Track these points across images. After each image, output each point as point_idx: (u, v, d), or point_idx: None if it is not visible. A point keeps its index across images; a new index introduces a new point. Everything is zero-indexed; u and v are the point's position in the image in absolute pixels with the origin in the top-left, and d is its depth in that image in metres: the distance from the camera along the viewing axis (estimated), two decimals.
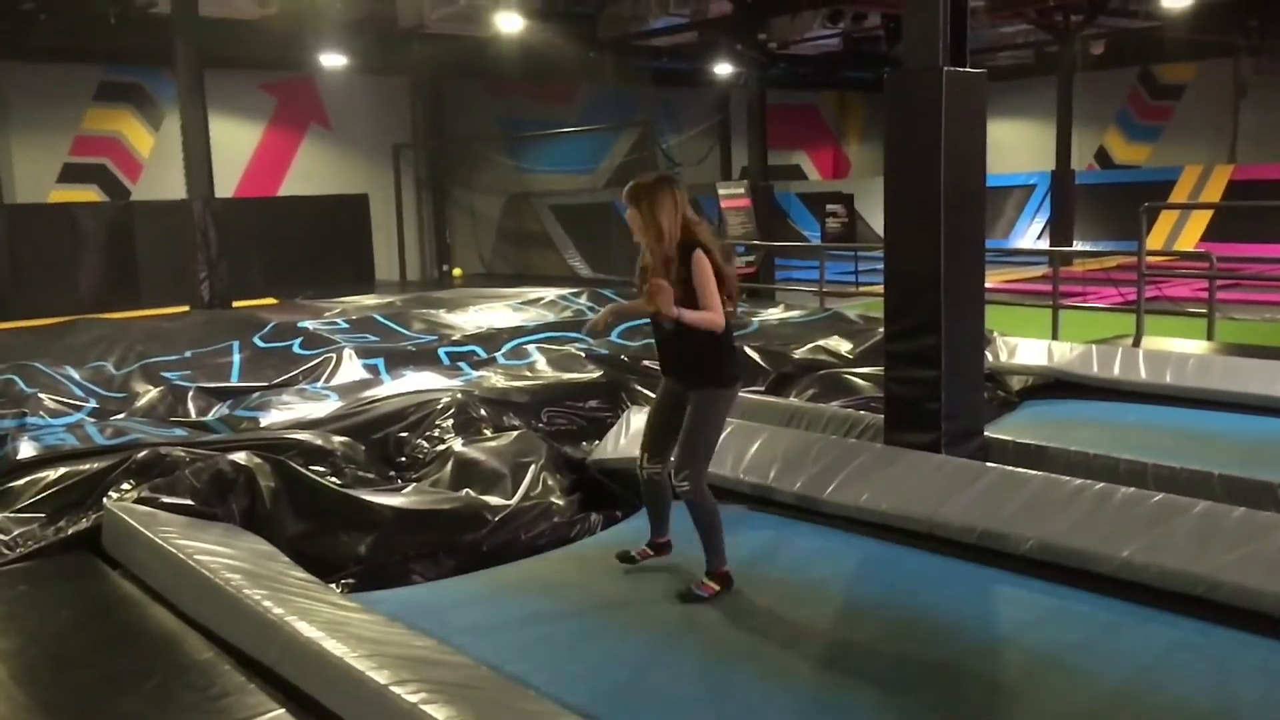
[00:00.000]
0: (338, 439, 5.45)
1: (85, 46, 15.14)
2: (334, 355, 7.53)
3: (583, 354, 7.20)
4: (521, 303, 9.94)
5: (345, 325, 8.68)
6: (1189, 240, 18.95)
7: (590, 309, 9.63)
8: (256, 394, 6.75)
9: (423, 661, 3.11)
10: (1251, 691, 3.29)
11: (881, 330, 5.72)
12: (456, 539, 4.76)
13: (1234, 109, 21.23)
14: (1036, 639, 3.69)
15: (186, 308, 11.98)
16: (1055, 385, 7.23)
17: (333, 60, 16.93)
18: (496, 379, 6.64)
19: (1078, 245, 18.84)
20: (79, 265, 15.42)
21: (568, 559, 4.75)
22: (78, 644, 3.62)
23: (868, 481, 4.76)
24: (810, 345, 7.67)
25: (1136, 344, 7.95)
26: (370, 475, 5.29)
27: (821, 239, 18.65)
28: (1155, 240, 18.29)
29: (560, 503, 5.08)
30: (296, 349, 7.86)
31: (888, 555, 4.47)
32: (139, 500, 4.52)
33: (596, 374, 6.66)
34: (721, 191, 16.49)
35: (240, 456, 4.79)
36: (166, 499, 4.52)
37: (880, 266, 5.52)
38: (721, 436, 4.26)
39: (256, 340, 8.07)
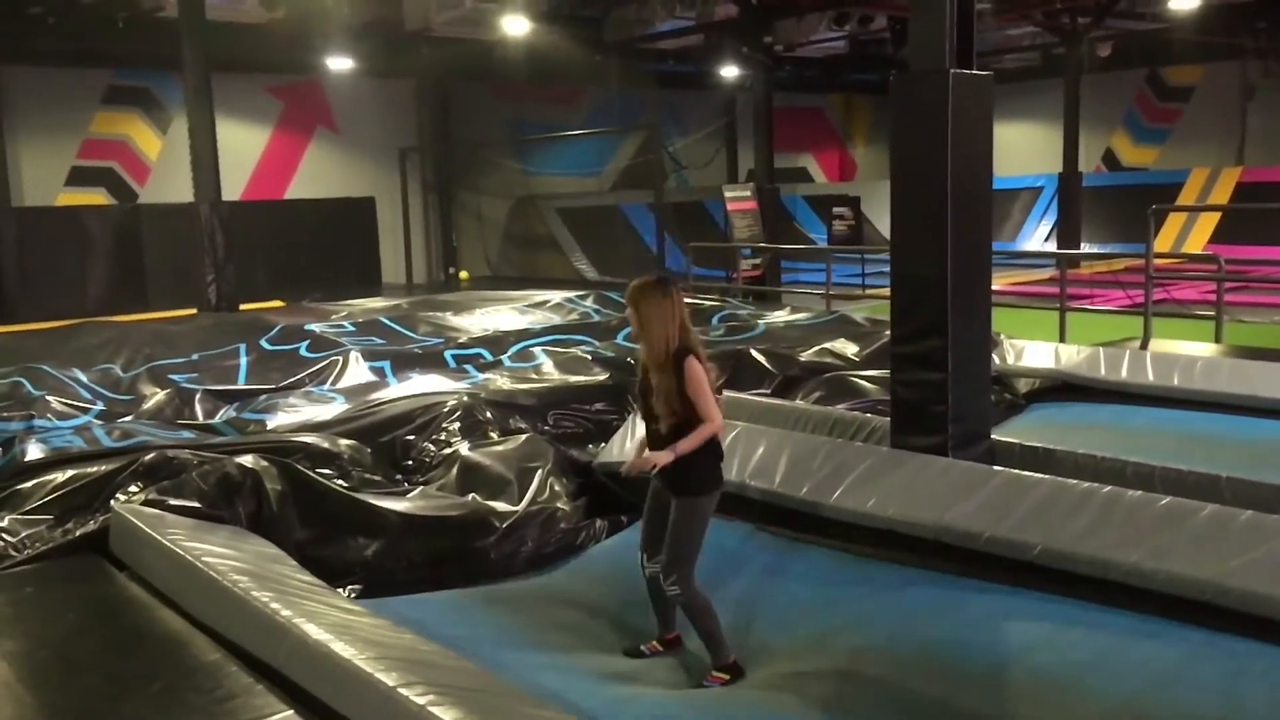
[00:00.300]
0: (344, 442, 5.45)
1: (93, 50, 15.20)
2: (340, 358, 7.53)
3: (589, 356, 7.20)
4: (528, 305, 9.93)
5: (352, 328, 8.69)
6: (1197, 243, 18.91)
7: (596, 311, 9.64)
8: (263, 397, 6.75)
9: (431, 665, 3.12)
10: (1258, 699, 3.27)
11: (888, 333, 5.71)
12: (464, 546, 4.75)
13: (1242, 111, 21.19)
14: (1043, 657, 3.66)
15: (194, 310, 12.00)
16: (1062, 388, 7.21)
17: (339, 63, 16.97)
18: (503, 382, 6.64)
19: (1085, 248, 18.82)
20: (86, 268, 15.47)
21: (574, 570, 4.74)
22: (85, 645, 3.62)
23: (874, 485, 4.75)
24: (816, 348, 7.66)
25: (1144, 347, 7.93)
26: (376, 478, 5.29)
27: (828, 241, 18.64)
28: (1163, 243, 18.26)
29: (566, 508, 5.07)
30: (303, 352, 7.87)
31: (892, 575, 4.40)
32: (146, 503, 4.53)
33: (603, 377, 6.66)
34: (728, 194, 16.49)
35: (247, 459, 4.80)
36: (173, 501, 4.53)
37: (886, 269, 5.50)
38: (708, 529, 4.13)
39: (263, 343, 8.08)
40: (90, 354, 7.85)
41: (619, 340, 8.01)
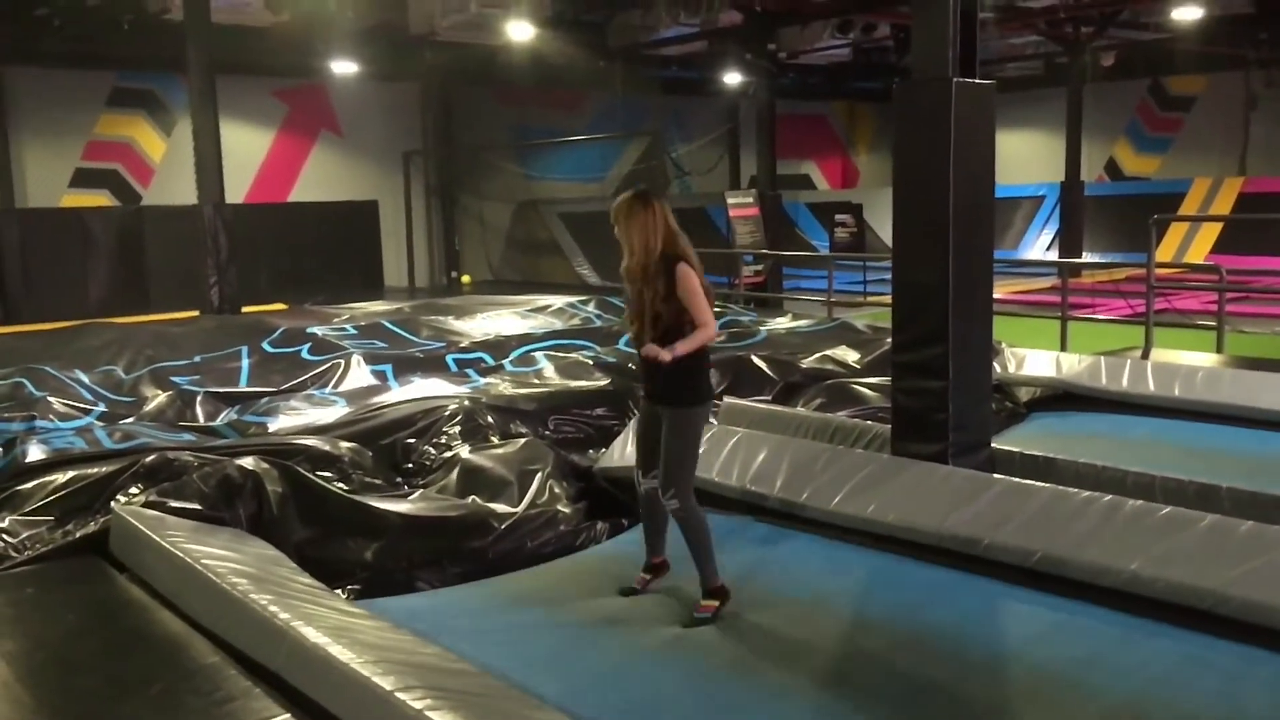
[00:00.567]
0: (345, 445, 5.46)
1: (98, 52, 15.24)
2: (342, 361, 7.55)
3: (590, 362, 7.20)
4: (530, 310, 9.95)
5: (354, 331, 8.70)
6: (1198, 253, 18.90)
7: (598, 316, 9.65)
8: (265, 399, 6.76)
9: (428, 669, 3.11)
10: (1258, 706, 3.28)
11: (889, 340, 5.72)
12: (462, 546, 4.76)
13: (1244, 121, 21.19)
14: (1043, 653, 3.68)
15: (196, 313, 12.01)
16: (1063, 397, 7.22)
17: (344, 67, 17.00)
18: (504, 386, 6.64)
19: (1087, 257, 18.81)
20: (89, 270, 15.48)
21: (573, 568, 4.75)
22: (84, 647, 3.62)
23: (874, 492, 4.75)
24: (818, 355, 7.66)
25: (1145, 356, 7.93)
26: (377, 481, 5.29)
27: (830, 249, 18.61)
28: (1165, 252, 18.24)
29: (566, 511, 5.08)
30: (305, 355, 7.88)
31: (893, 567, 4.46)
32: (147, 504, 4.53)
33: (604, 382, 6.67)
34: (730, 201, 16.48)
35: (248, 461, 4.81)
36: (174, 503, 4.53)
37: (888, 276, 5.51)
38: (703, 448, 4.32)
39: (265, 346, 8.09)
40: (92, 355, 7.87)
41: (620, 346, 8.02)
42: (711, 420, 5.50)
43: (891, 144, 5.29)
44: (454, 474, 5.32)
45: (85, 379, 7.13)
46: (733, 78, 19.71)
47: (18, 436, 5.53)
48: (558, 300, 10.52)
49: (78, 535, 4.49)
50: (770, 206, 16.61)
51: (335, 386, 7.18)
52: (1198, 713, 3.23)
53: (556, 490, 5.19)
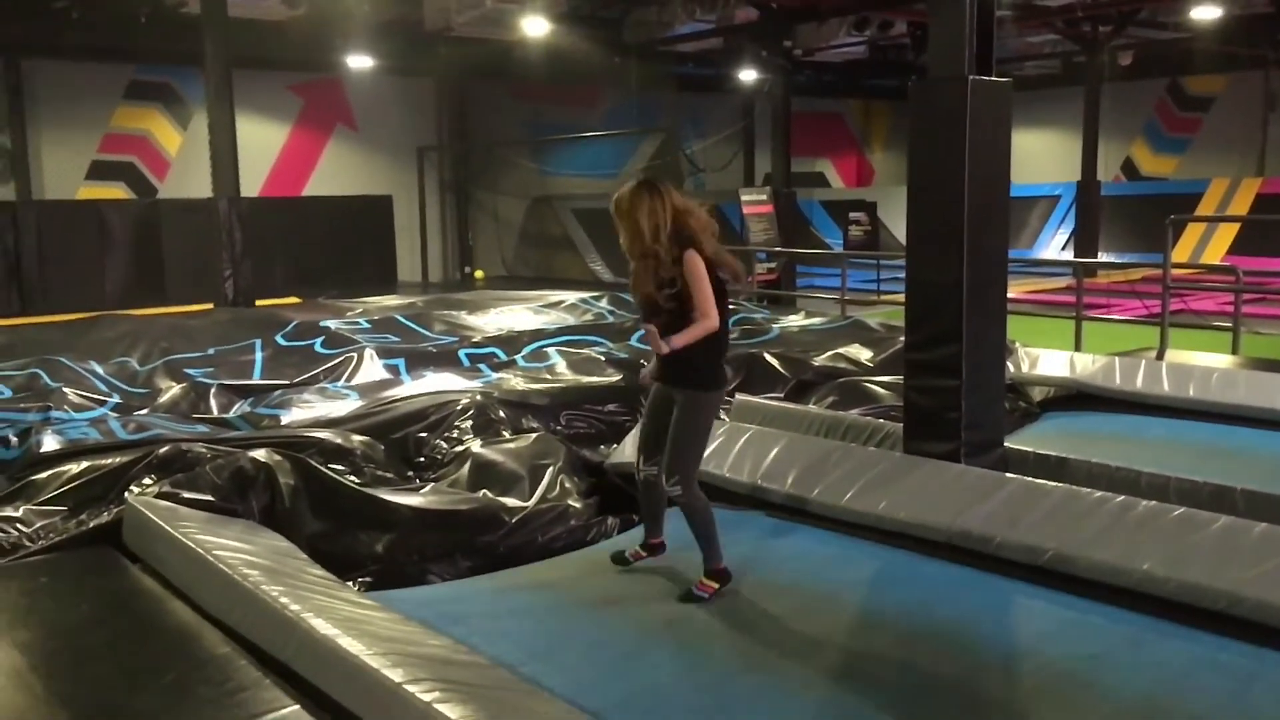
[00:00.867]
0: (357, 438, 5.47)
1: (116, 45, 15.30)
2: (355, 355, 7.56)
3: (602, 357, 7.21)
4: (542, 305, 9.95)
5: (367, 325, 8.72)
6: (1215, 253, 18.79)
7: (610, 312, 9.65)
8: (278, 392, 6.78)
9: (438, 661, 3.12)
10: (1271, 707, 3.26)
11: (902, 339, 5.70)
12: (474, 540, 4.77)
13: (1263, 122, 21.06)
14: (1054, 651, 3.67)
15: (210, 305, 12.06)
16: (1077, 397, 7.18)
17: (359, 62, 17.04)
18: (516, 381, 6.65)
19: (1102, 257, 18.72)
20: (105, 262, 15.58)
21: (584, 561, 4.76)
22: (96, 637, 3.64)
23: (886, 490, 4.74)
24: (831, 353, 7.64)
25: (1160, 357, 7.89)
26: (389, 475, 5.31)
27: (844, 246, 18.59)
28: (1181, 253, 18.14)
29: (578, 505, 5.08)
30: (318, 348, 7.90)
31: (904, 563, 4.45)
32: (160, 495, 4.55)
33: (615, 378, 6.67)
34: (744, 198, 16.47)
35: (261, 454, 4.82)
36: (187, 494, 4.55)
37: (902, 275, 5.49)
38: (714, 444, 4.30)
39: (279, 339, 8.12)
40: (107, 347, 7.90)
41: (633, 342, 8.02)
42: (723, 416, 5.50)
43: (907, 142, 5.27)
44: (465, 468, 5.33)
45: (100, 370, 7.16)
46: (748, 75, 19.68)
47: (33, 426, 5.56)
48: (570, 296, 10.53)
49: (91, 525, 4.51)
50: (784, 204, 16.58)
51: (348, 380, 7.20)
52: (1209, 713, 3.22)
53: (568, 485, 5.19)
